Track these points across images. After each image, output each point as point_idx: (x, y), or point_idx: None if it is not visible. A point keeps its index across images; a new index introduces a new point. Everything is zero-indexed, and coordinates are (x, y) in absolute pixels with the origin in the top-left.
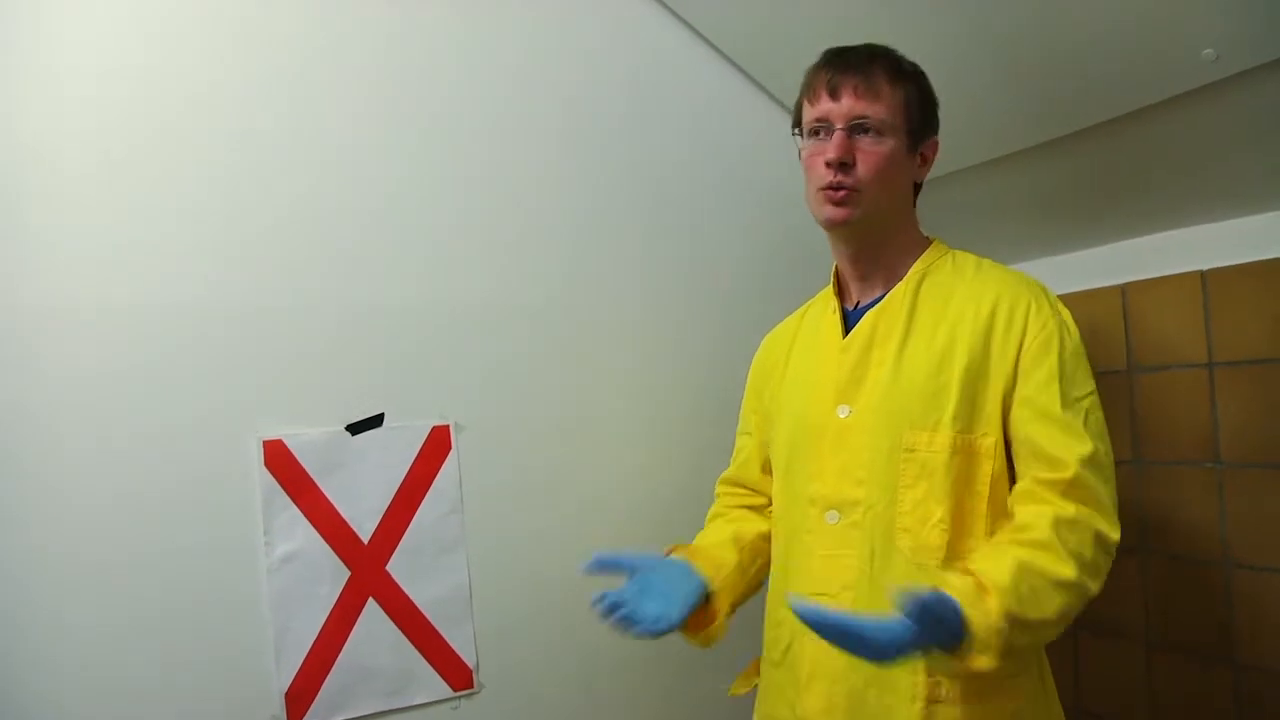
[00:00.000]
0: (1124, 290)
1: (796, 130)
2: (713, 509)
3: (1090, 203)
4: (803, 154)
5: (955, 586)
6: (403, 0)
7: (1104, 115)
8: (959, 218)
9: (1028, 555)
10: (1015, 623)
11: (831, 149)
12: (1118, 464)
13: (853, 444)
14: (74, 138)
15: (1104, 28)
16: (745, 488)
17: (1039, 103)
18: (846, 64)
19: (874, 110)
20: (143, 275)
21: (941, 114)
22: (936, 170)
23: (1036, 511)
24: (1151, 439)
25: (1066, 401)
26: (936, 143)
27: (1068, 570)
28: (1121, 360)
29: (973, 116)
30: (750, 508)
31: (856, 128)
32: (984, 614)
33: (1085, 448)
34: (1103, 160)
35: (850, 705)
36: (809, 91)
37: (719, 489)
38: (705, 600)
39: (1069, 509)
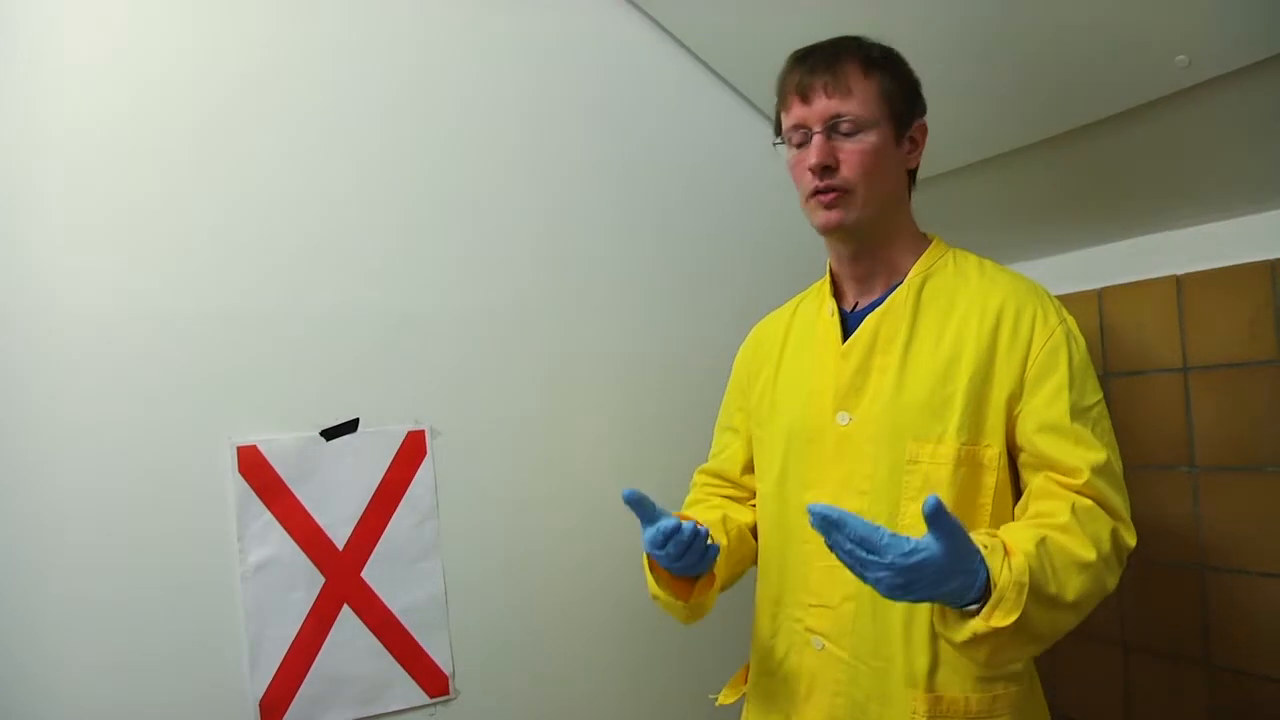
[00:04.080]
0: (1099, 295)
1: (779, 140)
2: (691, 496)
3: (1065, 208)
4: (789, 163)
5: (980, 541)
6: (368, 4)
7: (1078, 121)
8: (933, 223)
9: (1050, 534)
10: (1036, 593)
11: (812, 154)
12: None
13: (854, 453)
14: (45, 145)
15: (1078, 34)
16: (727, 482)
17: (1013, 109)
18: (813, 64)
19: (848, 107)
20: (116, 281)
21: None
22: None
23: (1054, 504)
24: (1127, 443)
25: (1076, 412)
26: (925, 124)
27: (1088, 552)
28: (1097, 365)
29: (946, 122)
30: (731, 499)
31: (834, 128)
32: (1008, 568)
33: (1097, 456)
34: (1077, 166)
35: (850, 719)
36: (782, 99)
37: (697, 479)
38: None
39: (1085, 501)
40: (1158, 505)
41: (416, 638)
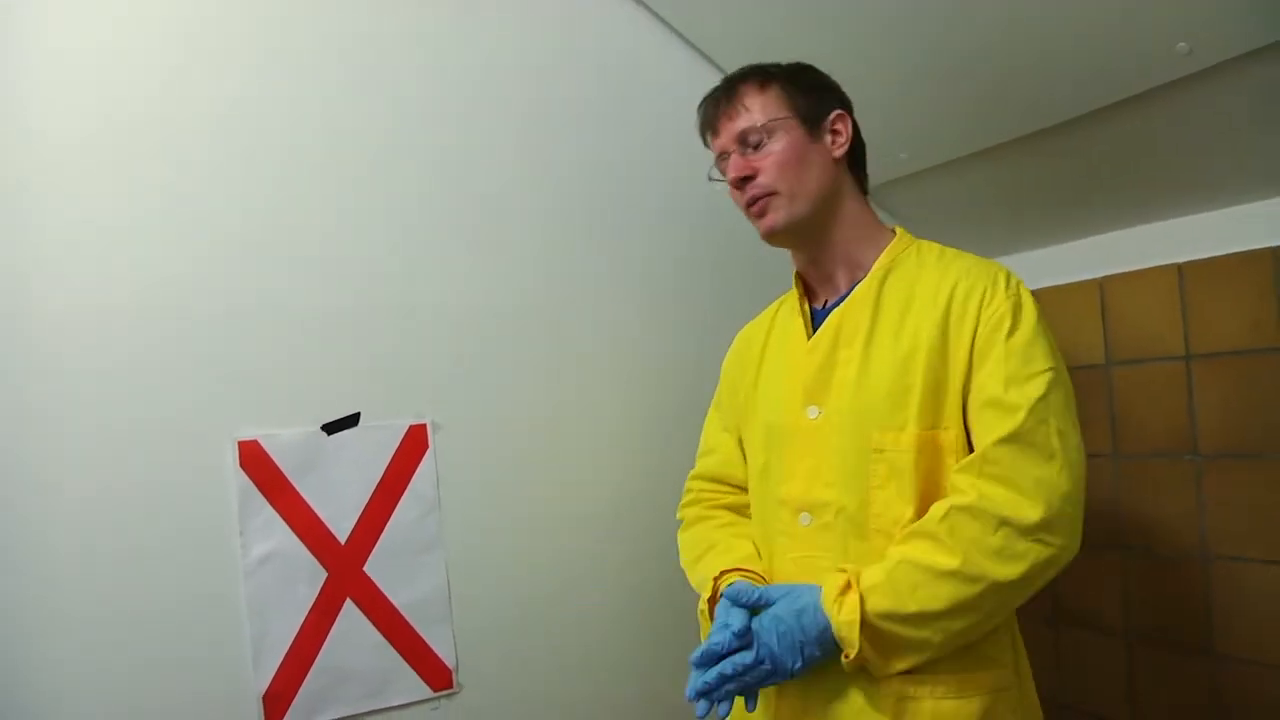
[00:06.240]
0: (1101, 284)
1: (715, 179)
2: (693, 509)
3: (1066, 197)
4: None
5: (826, 583)
6: (374, 4)
7: (1079, 110)
8: (935, 214)
9: (911, 549)
10: (894, 618)
11: (730, 170)
12: (1096, 457)
13: (822, 445)
14: (46, 137)
15: (1079, 23)
16: (729, 485)
17: (1015, 98)
18: (712, 100)
19: (748, 120)
20: (118, 276)
21: (918, 111)
22: (912, 166)
23: (939, 503)
24: (1129, 432)
25: (1012, 382)
26: (844, 115)
27: (950, 560)
28: (1099, 354)
29: (947, 112)
30: (729, 507)
31: (745, 143)
32: (840, 610)
33: (1009, 423)
34: (1078, 155)
35: (829, 705)
36: (703, 141)
37: (693, 485)
38: None
39: (969, 495)
40: (1161, 494)
41: (419, 631)
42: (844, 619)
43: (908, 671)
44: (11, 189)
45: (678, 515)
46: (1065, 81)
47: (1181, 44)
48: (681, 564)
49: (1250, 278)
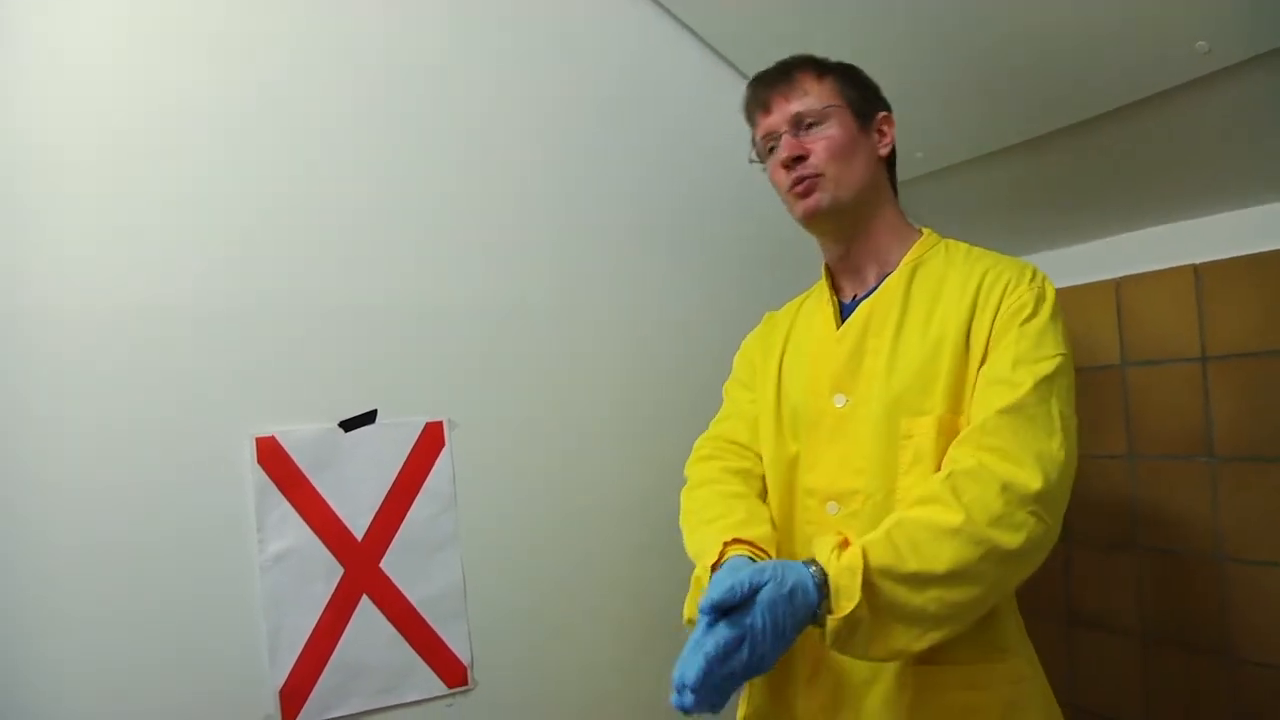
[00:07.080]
0: (1117, 285)
1: (754, 159)
2: (707, 465)
3: (1083, 197)
4: (769, 174)
5: (818, 545)
6: (387, 3)
7: (1097, 109)
8: (952, 213)
9: (909, 511)
10: (892, 575)
11: (782, 150)
12: (1111, 458)
13: (851, 433)
14: (61, 135)
15: (1097, 22)
16: (750, 450)
17: (1032, 97)
18: (769, 79)
19: (806, 104)
20: (134, 273)
21: (935, 109)
22: (928, 166)
23: (938, 474)
24: (1144, 434)
25: (1020, 362)
26: (890, 117)
27: (953, 517)
28: (1114, 355)
29: (965, 111)
30: (745, 475)
31: (798, 125)
32: (838, 559)
33: (1011, 396)
34: (1095, 154)
35: (853, 699)
36: (749, 119)
37: (710, 445)
38: None
39: (968, 460)
40: (1176, 496)
41: (435, 628)
42: (845, 564)
43: (922, 662)
44: (27, 188)
45: (686, 471)
46: (1082, 81)
47: (1201, 43)
48: (681, 523)
49: (1268, 279)
